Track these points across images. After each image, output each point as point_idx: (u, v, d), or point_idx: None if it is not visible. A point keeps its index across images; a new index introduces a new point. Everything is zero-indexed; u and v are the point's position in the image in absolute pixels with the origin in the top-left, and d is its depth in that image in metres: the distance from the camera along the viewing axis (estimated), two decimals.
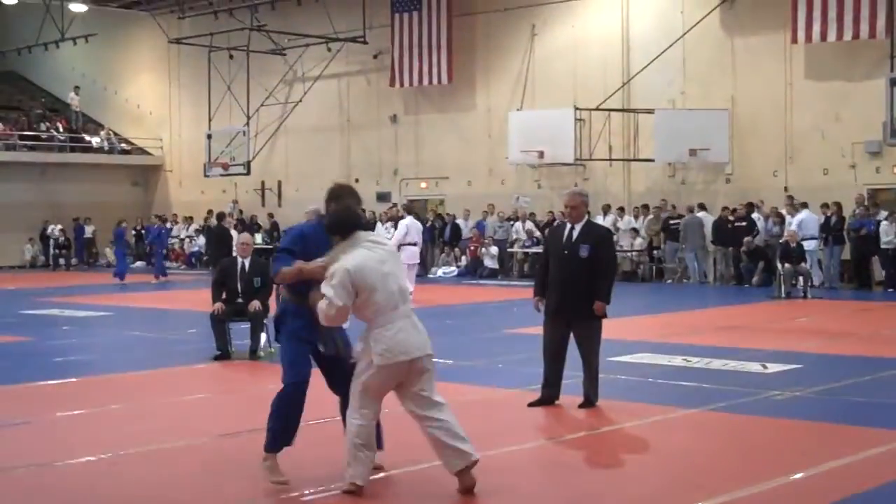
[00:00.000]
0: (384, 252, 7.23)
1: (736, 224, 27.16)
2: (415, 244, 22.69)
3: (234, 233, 24.48)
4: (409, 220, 23.24)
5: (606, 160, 30.06)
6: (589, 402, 10.18)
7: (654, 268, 29.42)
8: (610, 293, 10.21)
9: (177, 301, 22.93)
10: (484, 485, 7.31)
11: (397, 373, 7.12)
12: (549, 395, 10.28)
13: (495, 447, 8.26)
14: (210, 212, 36.52)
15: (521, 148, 29.98)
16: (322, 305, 6.99)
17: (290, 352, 7.57)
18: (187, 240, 38.73)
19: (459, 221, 32.18)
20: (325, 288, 6.98)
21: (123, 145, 42.86)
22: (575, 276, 10.11)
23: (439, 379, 11.83)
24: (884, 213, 25.37)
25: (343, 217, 7.27)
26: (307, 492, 7.25)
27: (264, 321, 13.94)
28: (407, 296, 7.29)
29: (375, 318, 7.06)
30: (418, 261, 23.47)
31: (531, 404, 10.24)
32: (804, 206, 25.86)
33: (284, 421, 7.53)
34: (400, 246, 22.10)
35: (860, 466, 7.99)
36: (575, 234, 10.24)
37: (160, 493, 7.34)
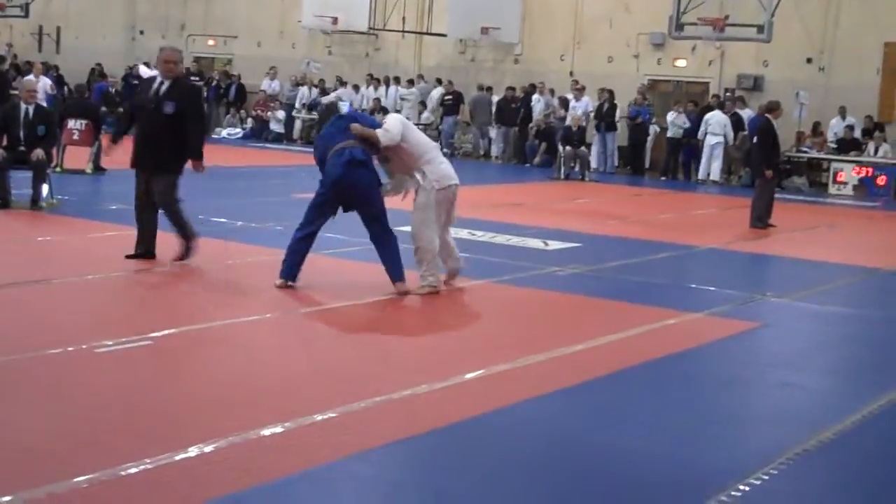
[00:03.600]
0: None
1: (516, 105, 27.77)
2: None
3: (33, 78, 23.77)
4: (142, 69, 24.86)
5: (399, 31, 29.97)
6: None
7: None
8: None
9: None
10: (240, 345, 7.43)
11: (448, 195, 9.62)
12: (144, 250, 10.40)
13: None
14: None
15: (314, 13, 29.61)
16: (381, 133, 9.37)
17: None
18: None
19: (265, 82, 31.46)
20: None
21: None
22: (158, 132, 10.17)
23: (230, 240, 11.87)
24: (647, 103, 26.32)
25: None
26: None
27: (47, 171, 13.57)
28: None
29: (423, 157, 9.52)
30: None
31: (128, 256, 10.34)
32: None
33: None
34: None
35: (635, 341, 8.46)
36: (162, 90, 10.20)
37: None
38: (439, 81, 29.63)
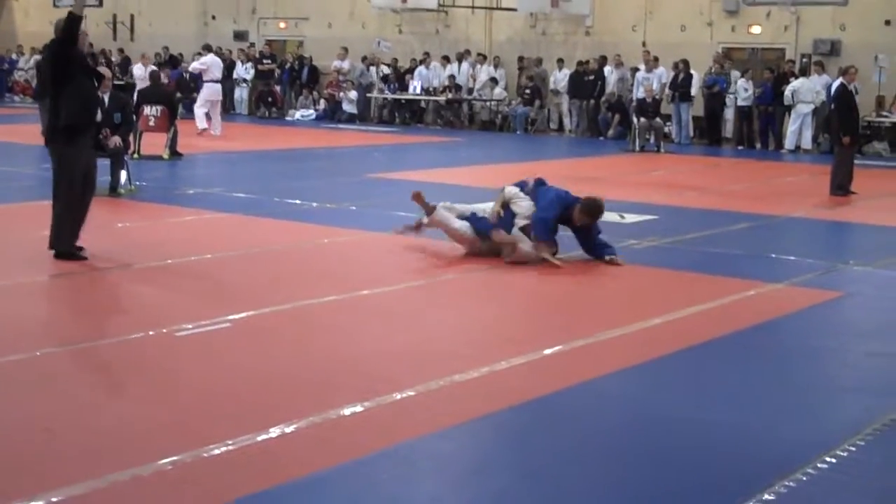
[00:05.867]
0: None
1: (589, 77, 27.61)
2: (217, 81, 24.13)
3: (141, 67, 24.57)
4: (209, 58, 24.58)
5: (469, 7, 29.85)
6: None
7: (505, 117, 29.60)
8: None
9: (26, 135, 22.20)
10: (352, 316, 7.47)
11: None
12: None
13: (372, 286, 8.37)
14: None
15: None
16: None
17: None
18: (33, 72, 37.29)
19: (336, 63, 31.52)
20: None
21: None
22: None
23: (306, 221, 11.92)
24: (738, 73, 25.96)
25: None
26: (188, 326, 7.28)
27: (124, 158, 13.73)
28: None
29: None
30: (220, 97, 24.55)
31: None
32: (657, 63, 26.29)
33: None
34: (203, 82, 24.00)
35: (715, 313, 8.36)
36: None
37: (14, 330, 7.29)
38: (484, 57, 29.74)
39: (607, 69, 27.63)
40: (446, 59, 30.15)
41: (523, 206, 10.16)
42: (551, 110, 29.15)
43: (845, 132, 16.18)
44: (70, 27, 9.28)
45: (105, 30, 37.20)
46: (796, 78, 24.77)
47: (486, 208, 10.43)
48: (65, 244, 9.40)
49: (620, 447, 5.42)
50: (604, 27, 28.76)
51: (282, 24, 34.16)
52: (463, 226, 10.27)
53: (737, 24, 27.18)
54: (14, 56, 38.26)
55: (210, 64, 24.12)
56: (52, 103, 9.52)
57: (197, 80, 26.72)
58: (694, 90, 25.89)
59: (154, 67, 23.76)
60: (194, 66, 25.05)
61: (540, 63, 28.74)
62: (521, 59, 29.28)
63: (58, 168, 9.48)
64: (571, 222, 10.22)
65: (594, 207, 10.22)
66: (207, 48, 26.63)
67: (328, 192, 14.62)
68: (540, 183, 10.51)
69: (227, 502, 4.53)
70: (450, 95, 29.46)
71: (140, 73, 25.68)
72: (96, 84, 10.00)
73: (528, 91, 28.48)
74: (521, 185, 10.48)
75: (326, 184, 15.88)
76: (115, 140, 13.30)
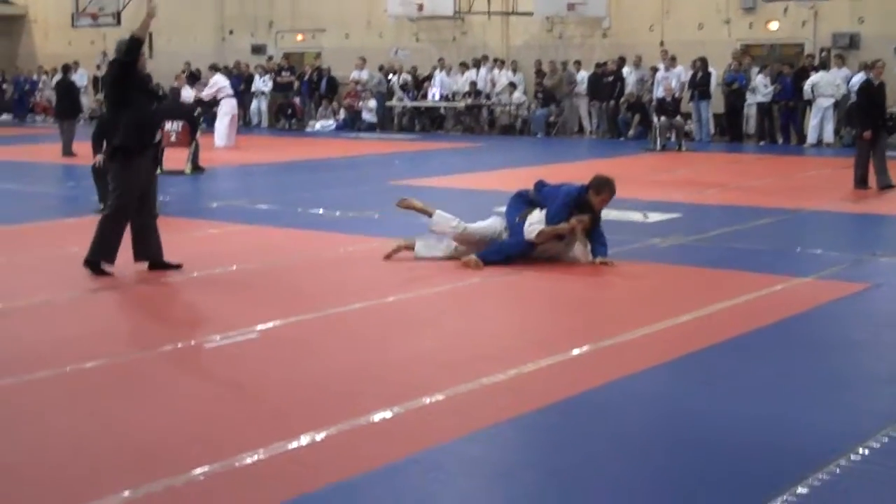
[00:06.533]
0: None
1: (608, 78, 27.58)
2: (232, 96, 24.51)
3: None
4: (218, 77, 24.68)
5: (485, 13, 29.87)
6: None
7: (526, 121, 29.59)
8: None
9: (51, 154, 22.35)
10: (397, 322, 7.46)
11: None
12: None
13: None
14: (66, 66, 35.49)
15: (400, 0, 29.68)
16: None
17: None
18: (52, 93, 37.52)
19: (354, 72, 31.56)
20: None
21: None
22: None
23: (328, 230, 11.92)
24: (756, 69, 25.89)
25: None
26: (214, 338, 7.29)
27: None
28: None
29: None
30: (236, 111, 25.14)
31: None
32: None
33: None
34: (219, 101, 24.09)
35: (742, 309, 8.32)
36: None
37: (48, 347, 7.31)
38: (502, 62, 29.77)
39: (626, 70, 27.64)
40: (464, 66, 30.18)
41: (534, 215, 10.12)
42: (571, 112, 29.11)
43: (864, 127, 16.14)
44: (132, 50, 9.41)
45: None
46: (816, 72, 24.68)
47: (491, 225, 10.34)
48: (96, 255, 9.58)
49: (651, 444, 5.40)
50: (621, 28, 28.74)
51: (299, 37, 34.28)
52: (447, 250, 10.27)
53: (754, 21, 27.12)
54: (35, 77, 38.50)
55: (220, 85, 24.17)
56: (110, 124, 9.69)
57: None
58: (712, 87, 25.82)
59: (176, 84, 23.98)
60: (205, 93, 25.04)
61: (565, 66, 28.69)
62: (538, 62, 29.25)
63: (112, 186, 9.70)
64: (591, 210, 10.09)
65: (609, 183, 10.25)
66: (214, 68, 26.65)
67: (351, 200, 14.63)
68: (541, 185, 10.45)
69: None
70: (469, 101, 29.49)
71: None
72: (154, 105, 10.14)
73: (540, 95, 28.51)
74: (524, 193, 10.41)
75: (349, 193, 15.90)
76: None
